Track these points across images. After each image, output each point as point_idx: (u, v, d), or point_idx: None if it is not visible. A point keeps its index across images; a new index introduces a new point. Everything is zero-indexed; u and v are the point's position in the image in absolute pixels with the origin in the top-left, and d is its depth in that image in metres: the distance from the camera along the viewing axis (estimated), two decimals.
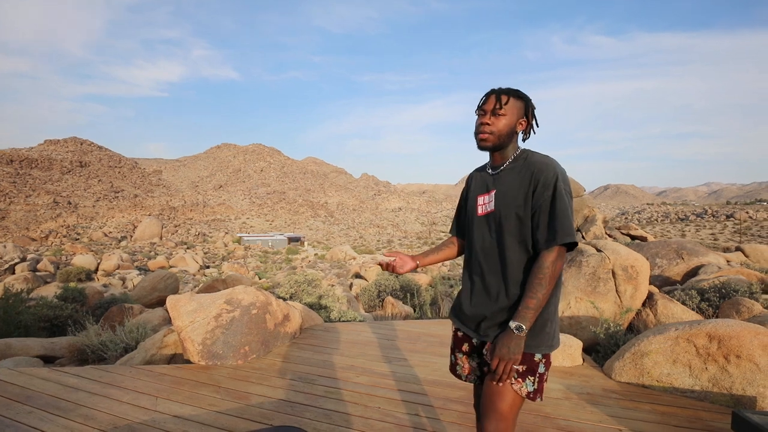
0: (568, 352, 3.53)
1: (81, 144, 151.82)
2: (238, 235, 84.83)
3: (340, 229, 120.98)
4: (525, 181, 1.49)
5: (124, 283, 26.17)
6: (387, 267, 1.70)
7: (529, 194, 1.47)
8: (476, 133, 1.55)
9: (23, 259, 26.67)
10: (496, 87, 1.56)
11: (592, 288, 4.55)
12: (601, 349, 3.74)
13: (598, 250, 4.86)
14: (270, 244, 70.24)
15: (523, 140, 1.61)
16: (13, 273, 23.40)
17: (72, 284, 19.76)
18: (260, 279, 30.01)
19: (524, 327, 1.39)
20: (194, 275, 33.65)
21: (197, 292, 12.78)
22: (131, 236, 70.72)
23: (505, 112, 1.51)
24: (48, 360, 5.71)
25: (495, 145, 1.55)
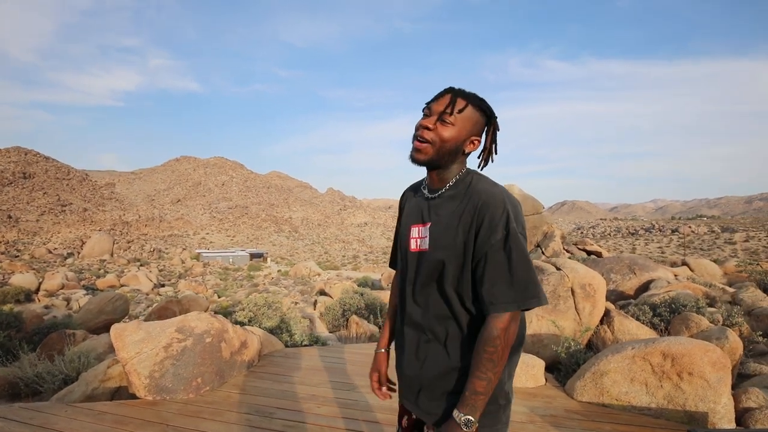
0: (531, 372, 3.54)
1: (25, 154, 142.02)
2: (197, 251, 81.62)
3: (304, 245, 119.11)
4: (466, 217, 1.12)
5: (68, 304, 24.32)
6: (384, 392, 1.42)
7: (470, 236, 1.11)
8: (413, 138, 1.19)
9: None
10: (458, 87, 1.18)
11: (552, 306, 4.63)
12: (562, 367, 3.79)
13: (558, 269, 4.98)
14: (231, 260, 67.98)
15: (479, 167, 1.25)
16: None
17: (8, 306, 18.16)
18: (219, 297, 28.82)
19: (473, 419, 1.05)
20: (147, 294, 31.82)
21: (149, 314, 12.07)
22: (79, 253, 66.36)
23: (454, 121, 1.14)
24: None
25: (431, 160, 1.17)
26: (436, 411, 1.18)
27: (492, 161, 1.25)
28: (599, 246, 13.76)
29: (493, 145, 1.24)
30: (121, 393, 3.72)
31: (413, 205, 1.30)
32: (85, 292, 28.01)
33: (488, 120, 1.21)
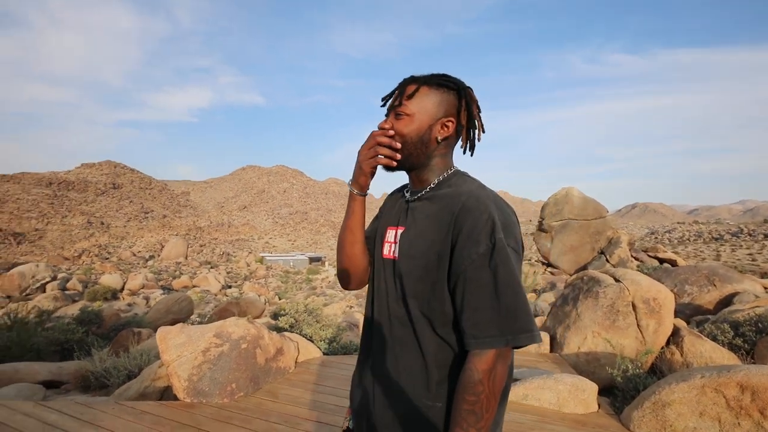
0: (581, 396, 3.20)
1: (115, 167, 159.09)
2: (261, 254, 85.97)
3: None
4: (442, 225, 0.92)
5: (147, 302, 26.65)
6: None
7: (444, 247, 0.90)
8: None
9: (54, 278, 27.61)
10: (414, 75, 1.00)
11: (610, 322, 4.20)
12: (619, 393, 3.39)
13: (617, 280, 4.52)
14: (291, 264, 70.79)
15: (464, 152, 1.05)
16: (44, 292, 24.17)
17: (97, 303, 20.25)
18: (280, 299, 30.04)
19: None
20: (216, 295, 34.00)
21: (211, 315, 12.80)
22: (158, 255, 72.67)
23: (408, 110, 0.97)
24: (54, 385, 5.70)
25: (400, 162, 1.00)
26: None
27: (479, 140, 1.03)
28: (674, 253, 12.46)
29: (474, 122, 1.02)
30: (168, 392, 3.90)
31: (393, 206, 1.13)
32: (161, 291, 30.55)
33: (458, 95, 0.99)
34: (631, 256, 12.07)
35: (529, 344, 0.84)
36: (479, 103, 1.02)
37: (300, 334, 4.67)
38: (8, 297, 21.67)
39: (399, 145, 0.98)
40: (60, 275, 29.57)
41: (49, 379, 5.67)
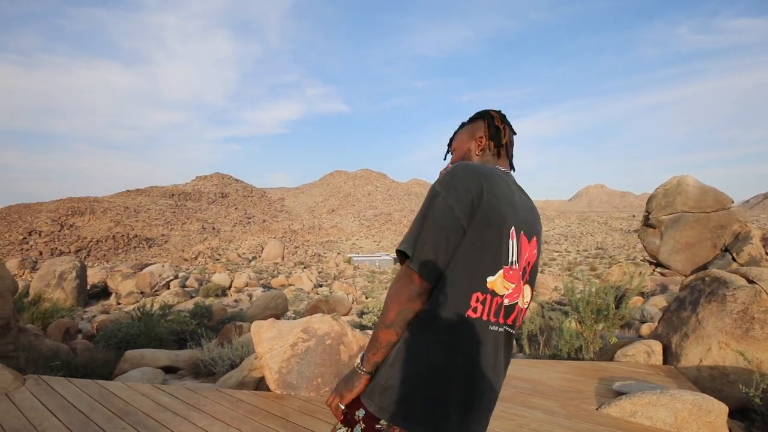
0: (706, 419, 2.71)
1: (223, 178, 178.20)
2: (348, 255, 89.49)
3: None
4: None
5: (250, 299, 29.27)
6: None
7: None
8: None
9: (176, 277, 31.70)
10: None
11: (742, 331, 3.54)
12: (757, 417, 2.81)
13: (750, 281, 3.79)
14: (377, 264, 72.50)
15: (498, 154, 1.29)
16: (168, 288, 27.86)
17: (210, 299, 22.73)
18: (366, 298, 30.94)
19: (362, 359, 1.09)
20: (308, 293, 36.18)
21: (304, 311, 13.56)
22: (259, 257, 79.53)
23: (454, 146, 1.34)
24: (172, 370, 6.46)
25: None
26: None
27: (506, 138, 1.29)
28: None
29: (496, 131, 1.28)
30: (263, 383, 4.17)
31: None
32: (262, 289, 33.37)
33: (483, 119, 1.30)
34: (766, 254, 10.15)
35: (403, 251, 1.04)
36: (503, 115, 1.33)
37: None
38: (141, 293, 25.34)
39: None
40: (180, 274, 33.82)
41: (168, 365, 6.44)
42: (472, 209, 1.03)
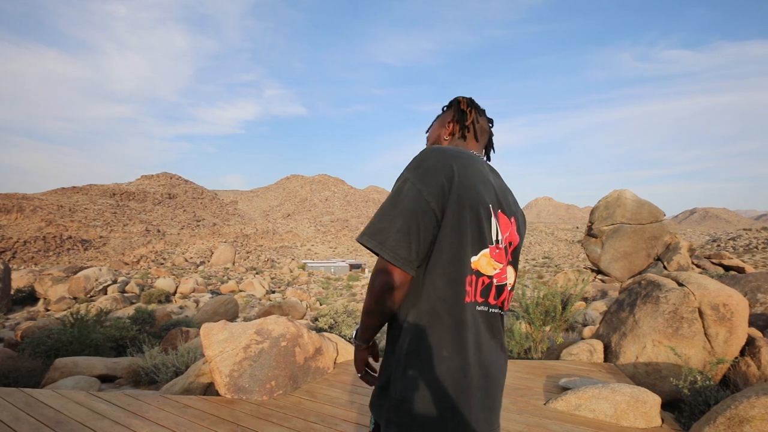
0: (641, 409, 2.91)
1: (170, 178, 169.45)
2: (303, 261, 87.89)
3: None
4: None
5: (197, 305, 27.87)
6: None
7: None
8: None
9: (114, 282, 29.59)
10: None
11: (673, 330, 3.84)
12: (686, 407, 3.06)
13: (680, 284, 4.14)
14: (332, 270, 71.76)
15: (463, 136, 1.30)
16: (106, 294, 25.93)
17: (152, 305, 21.41)
18: (321, 305, 30.46)
19: (356, 335, 1.18)
20: (260, 299, 35.06)
21: (255, 317, 13.12)
22: (208, 261, 76.14)
23: (427, 138, 1.39)
24: (109, 379, 6.00)
25: None
26: None
27: (472, 120, 1.29)
28: (742, 261, 11.37)
29: (461, 115, 1.31)
30: (212, 389, 3.97)
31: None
32: (210, 295, 31.93)
33: (452, 107, 1.34)
34: (692, 263, 11.14)
35: (365, 245, 1.00)
36: (471, 99, 1.34)
37: (339, 335, 4.62)
38: (75, 298, 23.40)
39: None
40: (120, 279, 31.61)
41: (104, 373, 5.97)
42: (443, 192, 0.99)
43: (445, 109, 1.38)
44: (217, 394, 3.47)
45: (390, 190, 1.06)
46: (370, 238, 0.99)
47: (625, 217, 12.30)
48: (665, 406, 3.29)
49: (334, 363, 4.07)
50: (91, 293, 25.37)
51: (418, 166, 1.03)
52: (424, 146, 1.35)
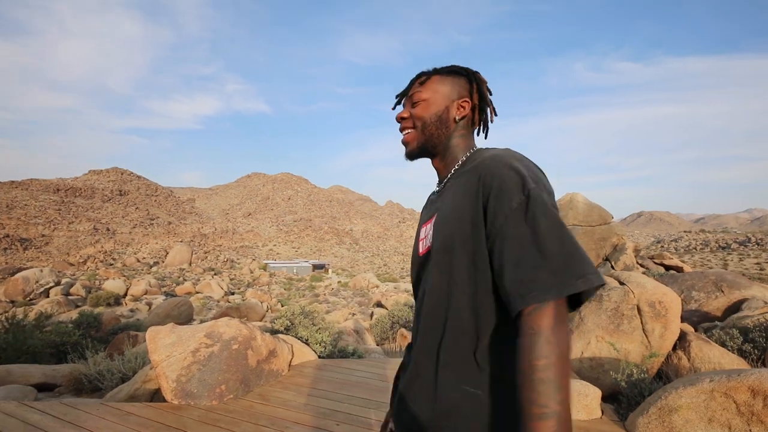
0: (583, 402, 3.06)
1: (122, 174, 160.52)
2: (264, 261, 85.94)
3: (364, 257, 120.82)
4: (470, 193, 0.84)
5: (150, 308, 26.58)
6: None
7: (477, 211, 0.82)
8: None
9: (57, 284, 27.67)
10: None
11: (615, 326, 4.07)
12: (624, 399, 3.25)
13: (621, 283, 4.39)
14: (295, 270, 70.68)
15: (478, 131, 1.03)
16: (48, 297, 24.21)
17: (100, 309, 20.21)
18: (282, 306, 29.92)
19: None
20: (218, 301, 33.93)
21: (212, 319, 12.69)
22: (163, 262, 72.84)
23: (423, 95, 0.98)
24: (48, 388, 5.60)
25: (423, 145, 0.99)
26: None
27: (491, 121, 1.03)
28: (681, 261, 12.25)
29: (486, 101, 1.01)
30: (159, 395, 3.80)
31: (427, 204, 1.08)
32: (164, 297, 30.54)
33: (468, 79, 1.00)
34: (637, 263, 11.87)
35: (586, 288, 0.70)
36: (489, 85, 1.03)
37: (296, 337, 4.56)
38: (12, 302, 21.69)
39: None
40: (64, 281, 29.61)
41: (42, 381, 5.58)
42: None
43: (443, 68, 1.00)
44: (164, 400, 3.33)
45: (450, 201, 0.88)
46: (583, 279, 0.70)
47: (577, 219, 12.93)
48: (608, 399, 3.48)
49: (289, 365, 4.00)
50: (31, 296, 23.65)
51: (539, 180, 0.81)
52: (398, 103, 1.06)
